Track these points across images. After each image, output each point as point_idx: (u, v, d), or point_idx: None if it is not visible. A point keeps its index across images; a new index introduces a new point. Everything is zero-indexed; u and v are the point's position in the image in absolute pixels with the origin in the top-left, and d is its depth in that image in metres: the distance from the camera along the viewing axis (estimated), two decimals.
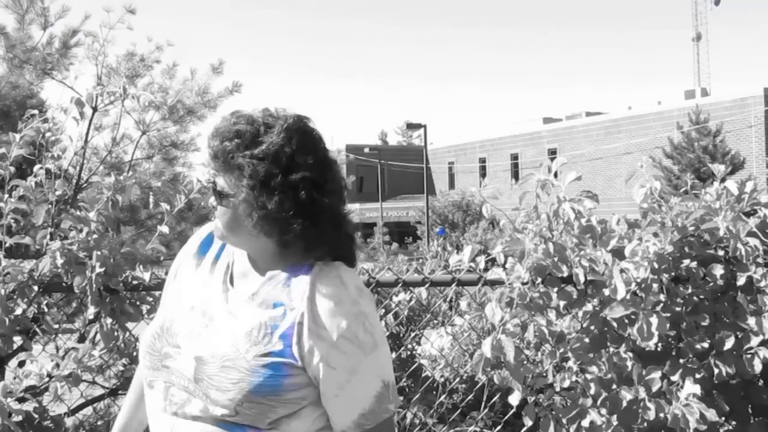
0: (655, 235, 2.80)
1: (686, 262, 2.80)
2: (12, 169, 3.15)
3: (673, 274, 2.79)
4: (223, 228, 1.86)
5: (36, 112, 3.29)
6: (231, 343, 1.76)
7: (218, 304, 1.87)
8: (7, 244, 3.09)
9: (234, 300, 1.86)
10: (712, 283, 2.79)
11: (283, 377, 1.74)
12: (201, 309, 1.87)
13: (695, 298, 2.80)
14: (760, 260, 2.77)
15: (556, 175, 2.91)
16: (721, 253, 2.83)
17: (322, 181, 1.80)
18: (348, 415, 1.78)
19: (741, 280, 2.76)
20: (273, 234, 1.80)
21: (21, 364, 3.00)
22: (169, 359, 1.82)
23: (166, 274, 3.22)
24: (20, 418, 2.89)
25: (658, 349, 2.82)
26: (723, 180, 2.89)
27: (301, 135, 1.80)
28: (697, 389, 2.63)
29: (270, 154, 1.76)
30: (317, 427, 1.81)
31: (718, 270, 2.76)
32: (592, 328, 2.84)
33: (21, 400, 2.92)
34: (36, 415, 2.99)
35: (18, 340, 3.14)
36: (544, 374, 2.84)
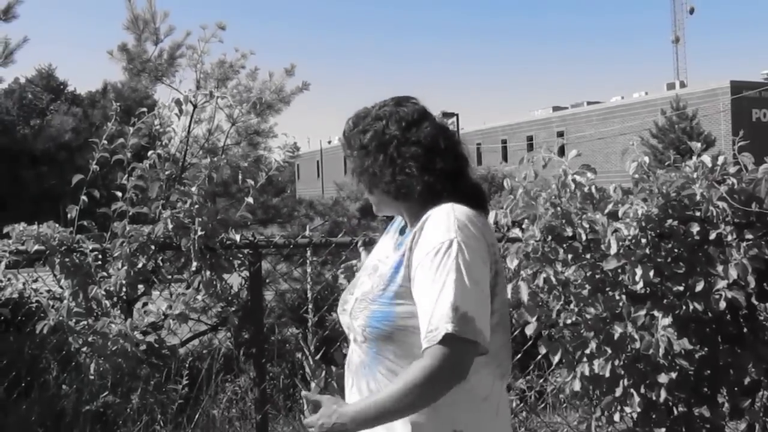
0: (644, 200, 2.77)
1: (669, 221, 2.76)
2: (129, 154, 3.23)
3: (657, 231, 2.75)
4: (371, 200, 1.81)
5: (145, 109, 3.38)
6: (373, 283, 1.71)
7: (382, 257, 1.81)
8: (131, 213, 3.17)
9: (391, 251, 1.80)
10: (689, 239, 2.75)
11: (396, 305, 1.64)
12: (373, 264, 1.81)
13: (675, 250, 2.77)
14: (728, 219, 2.72)
15: (563, 152, 2.87)
16: (697, 214, 2.79)
17: (403, 139, 1.71)
18: (422, 329, 1.56)
19: (712, 236, 2.72)
20: (374, 186, 1.75)
21: (144, 305, 3.08)
22: (346, 303, 1.78)
23: (253, 236, 3.26)
24: (144, 347, 2.98)
25: (647, 291, 2.79)
26: (699, 155, 2.84)
27: (390, 109, 1.76)
28: (668, 322, 2.61)
29: (362, 128, 1.76)
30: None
31: (695, 228, 2.72)
32: (592, 275, 2.82)
33: (144, 333, 3.00)
34: (156, 345, 3.07)
35: (141, 288, 3.22)
36: (552, 314, 2.83)
